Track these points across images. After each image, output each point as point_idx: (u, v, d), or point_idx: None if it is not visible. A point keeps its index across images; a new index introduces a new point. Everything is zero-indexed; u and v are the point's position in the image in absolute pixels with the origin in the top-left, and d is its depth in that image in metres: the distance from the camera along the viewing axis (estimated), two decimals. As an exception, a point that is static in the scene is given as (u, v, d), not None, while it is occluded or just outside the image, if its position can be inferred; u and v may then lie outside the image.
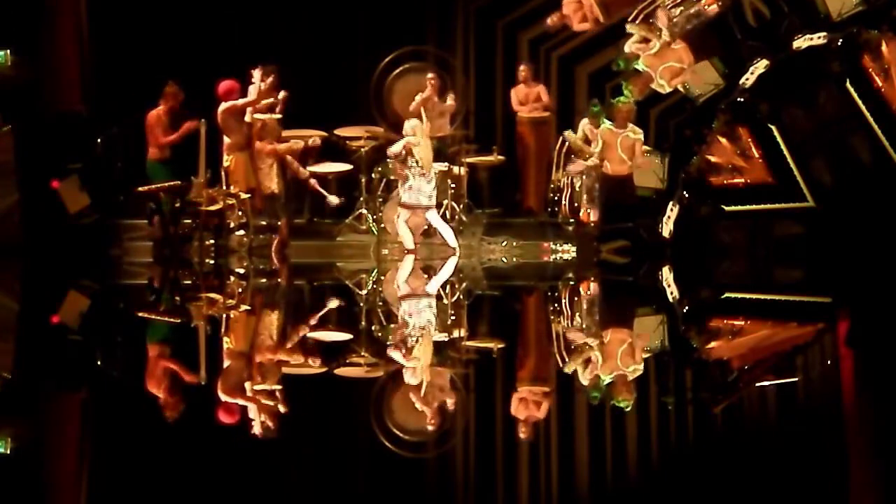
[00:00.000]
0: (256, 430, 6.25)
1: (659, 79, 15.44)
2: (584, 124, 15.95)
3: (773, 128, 15.15)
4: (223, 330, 10.13)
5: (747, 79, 15.11)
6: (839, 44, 14.93)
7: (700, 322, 10.49)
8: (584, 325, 10.44)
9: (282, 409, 6.77)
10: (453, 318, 10.72)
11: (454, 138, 16.85)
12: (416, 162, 15.51)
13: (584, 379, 7.70)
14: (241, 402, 6.97)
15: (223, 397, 7.09)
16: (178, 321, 10.79)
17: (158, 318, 10.99)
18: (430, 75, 16.52)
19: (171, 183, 15.61)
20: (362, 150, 16.45)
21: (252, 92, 15.54)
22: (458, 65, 17.66)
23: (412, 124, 15.72)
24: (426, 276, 14.10)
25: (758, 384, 7.78)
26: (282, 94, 15.66)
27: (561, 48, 17.42)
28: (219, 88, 15.63)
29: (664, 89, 15.52)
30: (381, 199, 16.29)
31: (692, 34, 15.39)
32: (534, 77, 16.89)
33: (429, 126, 15.78)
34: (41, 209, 15.88)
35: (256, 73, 15.56)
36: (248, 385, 7.49)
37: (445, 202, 16.15)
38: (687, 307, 11.67)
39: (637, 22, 15.46)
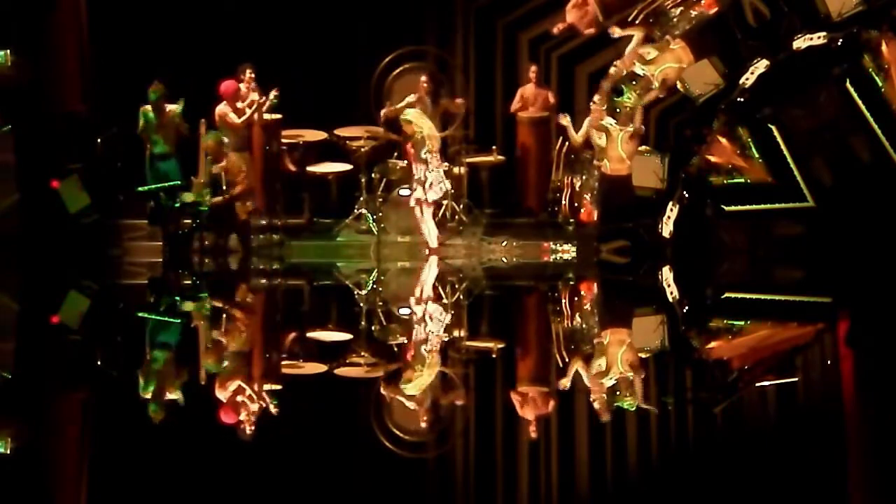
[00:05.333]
0: (254, 430, 6.25)
1: (656, 81, 15.44)
2: (588, 123, 15.93)
3: (773, 128, 15.15)
4: (222, 330, 10.14)
5: (747, 79, 15.10)
6: (839, 44, 14.93)
7: (700, 322, 10.49)
8: (583, 326, 10.44)
9: (280, 409, 6.77)
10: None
11: (454, 138, 16.84)
12: (430, 155, 15.56)
13: (586, 380, 7.71)
14: (239, 402, 6.97)
15: (221, 397, 7.10)
16: (178, 321, 10.79)
17: (158, 318, 11.00)
18: (423, 78, 16.48)
19: (171, 183, 15.60)
20: (362, 150, 16.45)
21: (245, 113, 15.59)
22: (458, 65, 17.66)
23: (416, 112, 15.73)
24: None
25: (758, 384, 7.78)
26: (269, 95, 15.69)
27: (561, 48, 17.41)
28: (219, 88, 15.65)
29: (662, 93, 15.50)
30: (381, 199, 16.28)
31: (692, 34, 15.38)
32: (541, 80, 16.91)
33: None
34: (41, 209, 15.88)
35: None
36: (246, 385, 7.49)
37: (445, 202, 16.14)
38: (687, 307, 11.67)
39: (637, 23, 15.44)
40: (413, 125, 15.65)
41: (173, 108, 15.65)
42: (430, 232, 15.68)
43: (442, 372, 8.04)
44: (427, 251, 15.66)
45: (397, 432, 6.29)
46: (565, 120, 15.95)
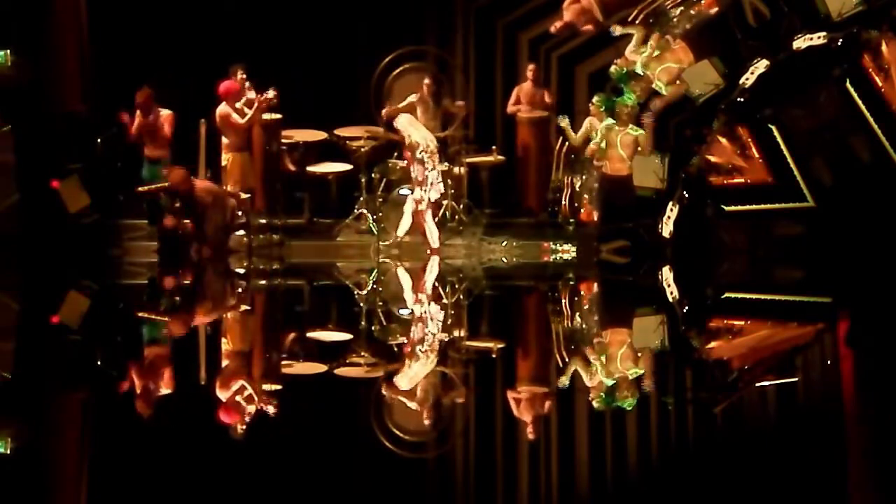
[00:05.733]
0: (254, 430, 6.25)
1: (657, 80, 15.45)
2: (587, 122, 15.93)
3: (773, 128, 15.15)
4: (222, 330, 10.14)
5: (747, 79, 15.11)
6: (839, 44, 14.93)
7: (700, 322, 10.49)
8: (583, 326, 10.44)
9: (281, 409, 6.77)
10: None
11: (454, 138, 16.84)
12: (426, 155, 15.55)
13: (586, 380, 7.71)
14: (239, 402, 6.97)
15: (221, 397, 7.09)
16: (177, 321, 10.79)
17: (157, 318, 11.00)
18: (426, 81, 16.49)
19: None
20: (362, 150, 16.44)
21: (246, 113, 15.58)
22: (458, 65, 17.66)
23: (404, 119, 15.73)
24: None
25: (758, 384, 7.78)
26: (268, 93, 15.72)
27: (561, 48, 17.41)
28: (219, 88, 15.64)
29: (663, 91, 15.52)
30: (381, 199, 16.28)
31: (692, 34, 15.39)
32: (540, 79, 16.90)
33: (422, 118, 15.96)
34: (41, 209, 15.87)
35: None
36: (247, 385, 7.49)
37: (445, 202, 16.13)
38: (687, 307, 11.67)
39: (637, 22, 15.45)
40: (402, 132, 15.68)
41: (165, 113, 15.68)
42: (432, 233, 15.66)
43: (439, 369, 8.03)
44: (429, 251, 15.64)
45: (396, 432, 6.29)
46: (564, 122, 15.94)
